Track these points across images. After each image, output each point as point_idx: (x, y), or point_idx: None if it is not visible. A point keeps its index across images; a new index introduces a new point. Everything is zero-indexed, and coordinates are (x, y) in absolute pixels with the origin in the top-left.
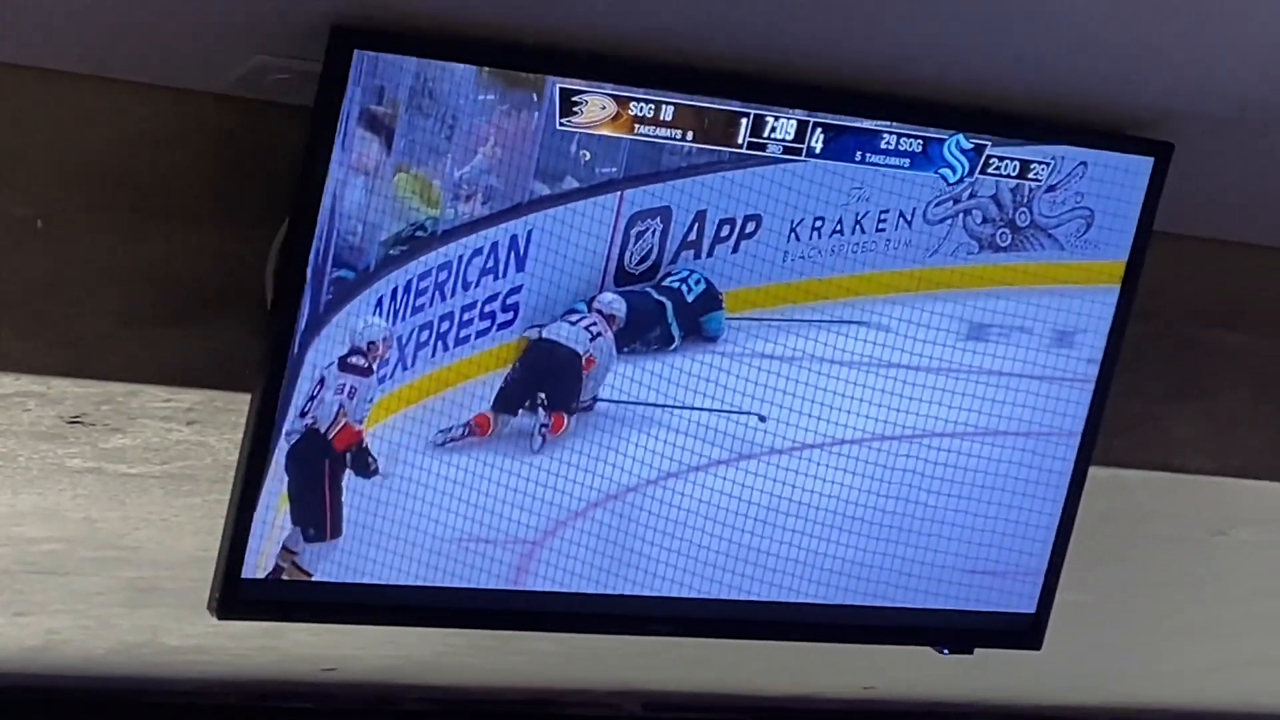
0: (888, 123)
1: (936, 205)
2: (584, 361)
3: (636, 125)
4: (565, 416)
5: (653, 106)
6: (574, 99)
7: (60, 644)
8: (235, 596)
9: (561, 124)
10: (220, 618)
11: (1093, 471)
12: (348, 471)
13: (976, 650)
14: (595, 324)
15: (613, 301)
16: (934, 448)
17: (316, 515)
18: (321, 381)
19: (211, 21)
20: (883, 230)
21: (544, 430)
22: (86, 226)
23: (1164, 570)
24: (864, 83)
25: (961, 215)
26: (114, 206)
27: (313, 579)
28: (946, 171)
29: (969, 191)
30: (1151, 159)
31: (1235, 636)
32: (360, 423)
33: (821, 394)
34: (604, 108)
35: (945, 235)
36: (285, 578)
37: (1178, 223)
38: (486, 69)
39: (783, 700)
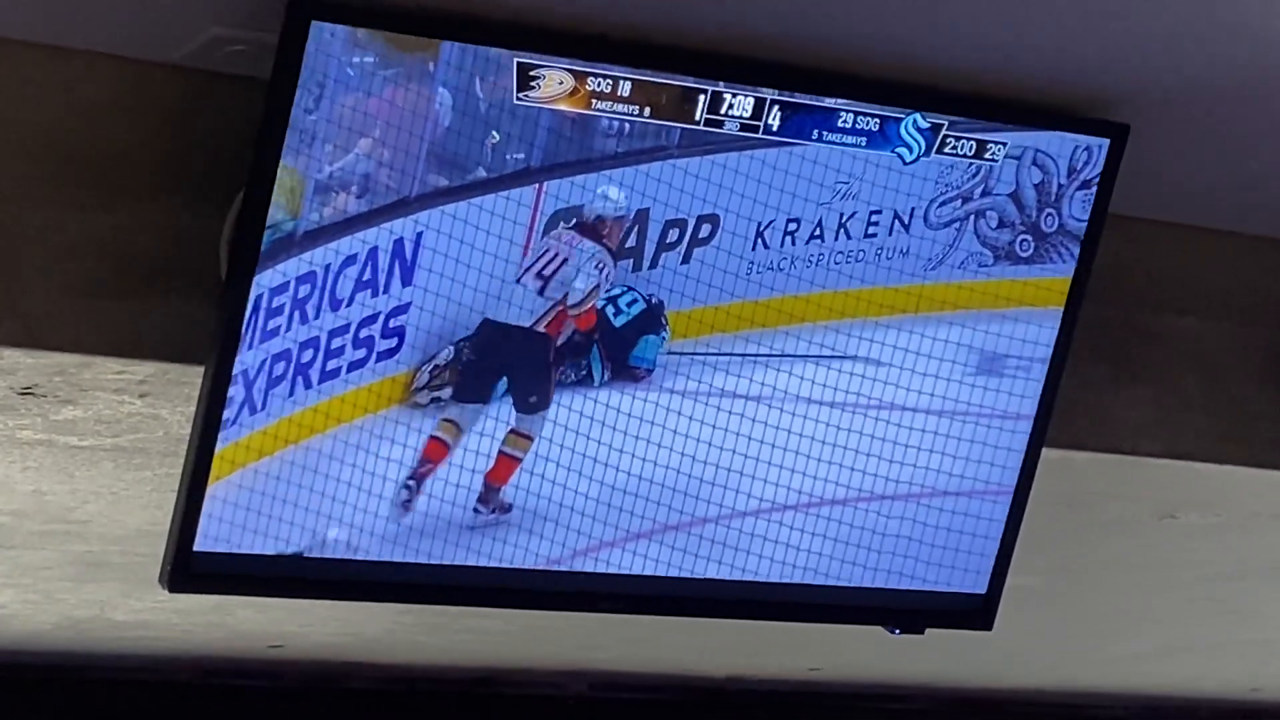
0: (845, 101)
1: (941, 205)
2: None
3: (594, 100)
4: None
5: (610, 82)
6: (531, 73)
7: (6, 618)
8: (187, 569)
9: (519, 99)
10: (172, 590)
11: (1044, 453)
12: None
13: (928, 631)
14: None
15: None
16: (928, 506)
17: None
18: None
19: None
20: (874, 236)
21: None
22: (39, 198)
23: (1114, 553)
24: (822, 61)
25: (972, 218)
26: (66, 178)
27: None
28: (903, 150)
29: (981, 189)
30: (1107, 140)
31: (1183, 619)
32: None
33: (797, 440)
34: (561, 83)
35: (952, 243)
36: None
37: (1130, 205)
38: (362, 29)
39: (729, 680)
